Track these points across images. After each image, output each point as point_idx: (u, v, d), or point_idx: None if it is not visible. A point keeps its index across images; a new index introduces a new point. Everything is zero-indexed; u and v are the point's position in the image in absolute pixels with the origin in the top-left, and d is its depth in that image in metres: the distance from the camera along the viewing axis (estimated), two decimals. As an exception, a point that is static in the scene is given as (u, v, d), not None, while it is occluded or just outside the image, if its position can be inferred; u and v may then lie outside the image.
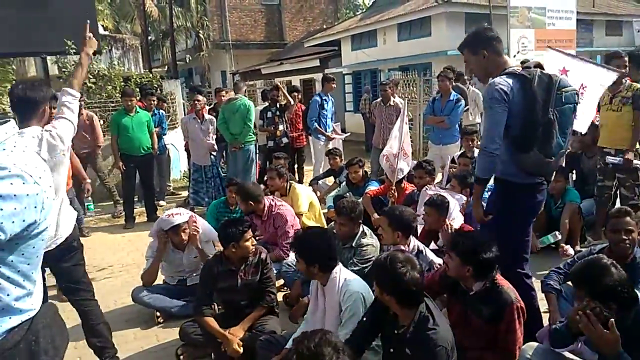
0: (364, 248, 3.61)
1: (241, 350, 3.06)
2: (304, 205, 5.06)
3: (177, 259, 4.04)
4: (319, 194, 6.34)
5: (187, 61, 23.57)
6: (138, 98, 7.24)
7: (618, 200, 4.98)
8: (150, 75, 10.13)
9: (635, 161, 4.60)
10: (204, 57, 22.04)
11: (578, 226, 4.73)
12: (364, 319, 2.55)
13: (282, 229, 4.30)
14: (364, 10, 25.72)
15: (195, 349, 3.34)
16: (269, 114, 7.62)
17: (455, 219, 3.82)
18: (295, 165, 8.21)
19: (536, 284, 3.15)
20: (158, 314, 3.96)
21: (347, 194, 5.75)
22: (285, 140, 7.60)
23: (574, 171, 5.90)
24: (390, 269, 2.30)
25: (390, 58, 14.94)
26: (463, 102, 6.63)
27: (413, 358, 2.28)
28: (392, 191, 5.00)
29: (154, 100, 7.70)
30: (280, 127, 7.54)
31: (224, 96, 8.55)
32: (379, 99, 7.41)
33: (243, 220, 3.35)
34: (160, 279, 4.15)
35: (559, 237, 4.44)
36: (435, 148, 6.76)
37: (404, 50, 14.56)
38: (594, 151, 5.39)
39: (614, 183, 4.85)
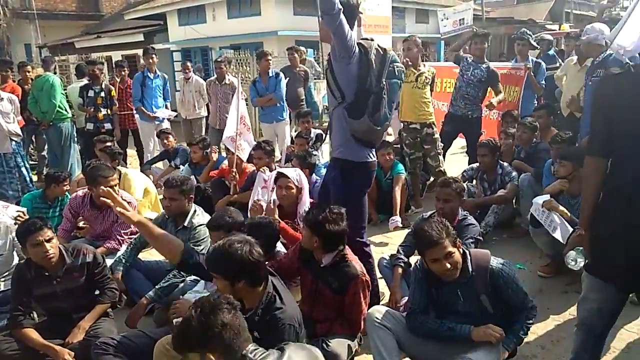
0: (197, 230, 3.45)
1: (73, 360, 2.70)
2: (138, 191, 4.66)
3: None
4: (152, 178, 5.90)
5: (-18, 32, 19.97)
6: None
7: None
8: None
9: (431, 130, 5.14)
10: (3, 27, 18.90)
11: (404, 197, 5.16)
12: None
13: None
14: (190, -16, 24.55)
15: (11, 367, 2.85)
16: (91, 93, 6.73)
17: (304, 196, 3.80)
18: (135, 149, 7.54)
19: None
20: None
21: (191, 176, 5.44)
22: (108, 125, 6.78)
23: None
24: (229, 251, 2.17)
25: (221, 36, 14.56)
26: (282, 75, 6.82)
27: (262, 341, 2.24)
28: (234, 174, 4.88)
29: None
30: (103, 111, 6.72)
31: (29, 72, 7.40)
32: (213, 77, 7.15)
33: (33, 222, 2.83)
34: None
35: None
36: (268, 127, 6.88)
37: (234, 29, 14.30)
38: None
39: (422, 154, 5.36)
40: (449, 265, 2.29)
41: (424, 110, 5.11)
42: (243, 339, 1.78)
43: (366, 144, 2.99)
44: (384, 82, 2.89)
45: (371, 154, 3.08)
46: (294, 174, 3.61)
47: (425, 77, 5.06)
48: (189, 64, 7.81)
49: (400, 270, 3.23)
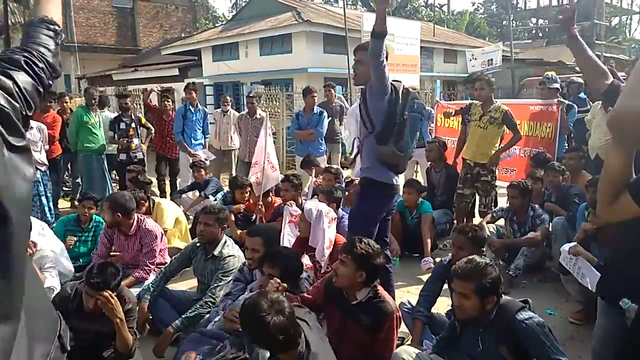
0: (226, 260, 3.51)
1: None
2: (170, 220, 4.76)
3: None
4: (182, 207, 6.02)
5: (24, 62, 20.97)
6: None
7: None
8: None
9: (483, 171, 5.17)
10: (45, 58, 19.77)
11: (431, 235, 5.15)
12: None
13: (148, 247, 4.00)
14: (224, 22, 25.51)
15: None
16: (123, 125, 6.91)
17: (329, 229, 3.81)
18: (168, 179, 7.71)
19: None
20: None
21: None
22: (140, 155, 6.99)
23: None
24: (256, 318, 2.05)
25: (252, 72, 14.97)
26: (326, 113, 7.00)
27: None
28: (259, 207, 4.94)
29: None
30: (136, 141, 6.91)
31: (67, 102, 7.73)
32: (244, 112, 7.35)
33: (98, 283, 2.72)
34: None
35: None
36: None
37: (266, 65, 14.69)
38: (440, 166, 5.98)
39: (472, 192, 5.39)
40: (455, 301, 2.38)
41: (481, 150, 5.15)
42: None
43: (390, 168, 3.32)
44: (406, 115, 3.30)
45: (394, 180, 3.38)
46: (311, 205, 3.65)
47: (491, 116, 5.07)
48: (228, 97, 8.07)
49: (420, 324, 3.13)
